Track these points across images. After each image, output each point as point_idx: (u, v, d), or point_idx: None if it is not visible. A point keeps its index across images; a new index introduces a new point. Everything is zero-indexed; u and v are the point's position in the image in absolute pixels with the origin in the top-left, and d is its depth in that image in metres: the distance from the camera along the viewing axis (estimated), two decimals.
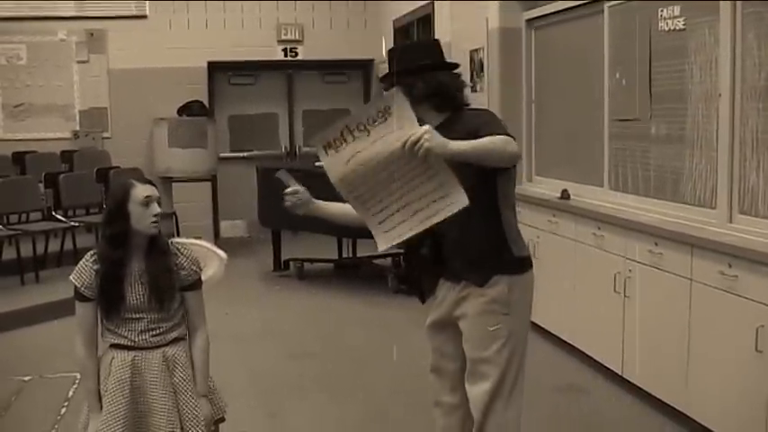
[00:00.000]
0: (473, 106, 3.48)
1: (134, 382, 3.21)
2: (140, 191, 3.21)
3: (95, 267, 3.19)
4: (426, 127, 2.86)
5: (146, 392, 3.22)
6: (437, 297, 3.53)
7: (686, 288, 4.55)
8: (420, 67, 3.34)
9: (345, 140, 2.91)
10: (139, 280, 3.21)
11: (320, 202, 3.56)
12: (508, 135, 3.08)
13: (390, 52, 3.52)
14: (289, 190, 3.47)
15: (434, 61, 3.41)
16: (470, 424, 3.49)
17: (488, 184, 3.23)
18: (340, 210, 3.48)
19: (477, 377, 3.37)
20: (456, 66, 3.51)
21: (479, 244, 3.32)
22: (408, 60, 3.37)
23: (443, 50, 3.48)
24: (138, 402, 3.21)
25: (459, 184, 2.92)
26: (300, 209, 3.51)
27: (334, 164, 2.95)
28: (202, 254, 3.63)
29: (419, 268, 3.52)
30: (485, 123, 3.18)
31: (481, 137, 3.01)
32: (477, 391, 3.37)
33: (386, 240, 3.05)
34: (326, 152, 2.95)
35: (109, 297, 3.19)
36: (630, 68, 5.57)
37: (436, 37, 3.45)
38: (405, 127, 2.85)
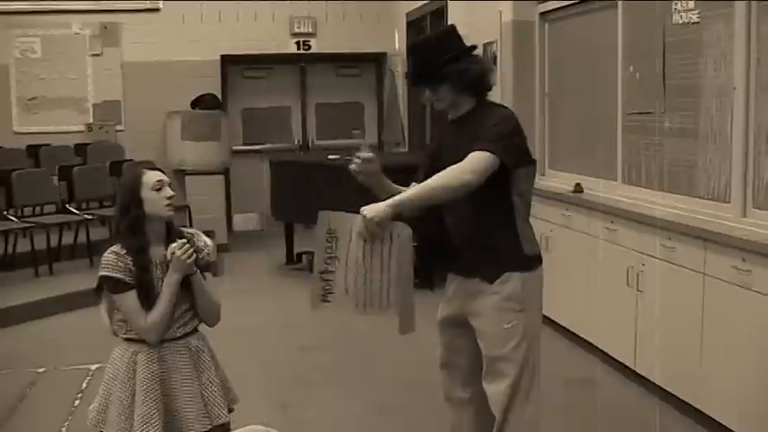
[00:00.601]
0: (496, 101, 3.47)
1: (162, 374, 3.23)
2: (151, 176, 3.23)
3: (129, 258, 3.20)
4: (363, 212, 2.98)
5: (173, 384, 3.24)
6: (448, 292, 3.51)
7: (699, 283, 4.54)
8: (445, 61, 3.29)
9: (328, 281, 3.10)
10: (164, 269, 3.23)
11: (391, 184, 3.41)
12: (492, 150, 3.10)
13: (411, 49, 3.50)
14: (364, 154, 3.30)
15: (458, 50, 3.35)
16: (484, 419, 3.48)
17: (503, 179, 3.20)
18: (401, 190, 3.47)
19: (495, 375, 3.35)
20: (474, 47, 3.46)
21: (491, 240, 3.30)
22: (434, 56, 3.32)
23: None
24: (165, 394, 3.22)
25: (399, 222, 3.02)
26: (366, 178, 3.32)
27: (342, 302, 3.10)
28: None
29: (431, 257, 3.51)
30: (488, 134, 3.17)
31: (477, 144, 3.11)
32: (496, 389, 3.35)
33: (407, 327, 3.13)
34: (328, 300, 3.12)
35: (145, 286, 3.20)
36: (644, 62, 5.54)
37: (448, 25, 3.43)
38: (353, 228, 3.02)
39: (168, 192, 3.23)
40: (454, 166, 3.09)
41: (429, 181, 3.08)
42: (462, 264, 3.39)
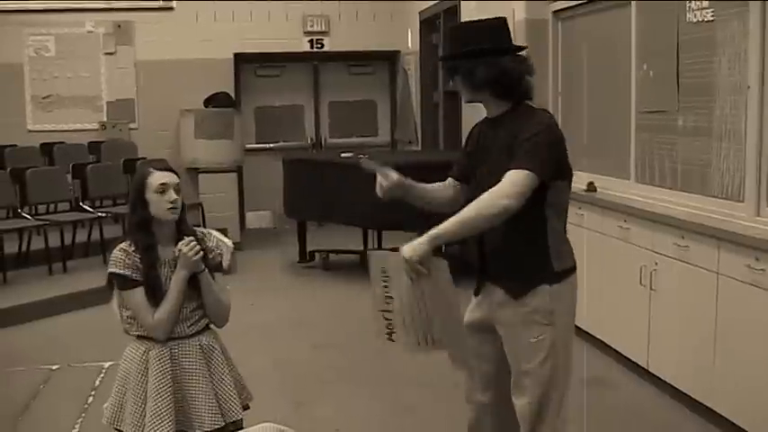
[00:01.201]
0: (536, 104, 3.31)
1: (174, 372, 3.24)
2: (156, 178, 3.23)
3: (137, 255, 3.22)
4: (402, 253, 2.93)
5: (185, 381, 3.25)
6: (476, 298, 3.43)
7: (713, 282, 4.52)
8: (483, 51, 3.17)
9: (390, 319, 3.09)
10: (173, 268, 3.24)
11: (416, 185, 3.34)
12: (530, 168, 3.00)
13: (451, 30, 3.41)
14: (380, 179, 3.22)
15: (498, 44, 3.22)
16: (504, 424, 3.43)
17: (538, 192, 3.06)
18: (437, 190, 3.46)
19: (519, 390, 3.27)
20: (522, 48, 3.32)
21: (519, 254, 3.19)
22: (469, 42, 3.22)
23: (509, 31, 3.29)
24: (177, 392, 3.24)
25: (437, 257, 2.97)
26: (395, 192, 3.25)
27: (407, 343, 3.12)
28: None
29: (460, 261, 3.43)
30: (522, 149, 3.05)
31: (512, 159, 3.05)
32: (523, 403, 3.26)
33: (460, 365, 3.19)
34: (393, 339, 3.13)
35: (152, 284, 3.21)
36: (658, 60, 5.53)
37: (499, 17, 3.35)
38: (399, 267, 2.98)
39: (171, 196, 3.23)
40: (493, 190, 2.98)
41: (467, 210, 2.97)
42: (492, 271, 3.30)
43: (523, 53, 3.32)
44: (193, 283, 3.25)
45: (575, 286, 3.33)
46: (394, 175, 3.23)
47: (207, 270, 3.27)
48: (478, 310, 3.41)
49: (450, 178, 3.49)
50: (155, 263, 3.23)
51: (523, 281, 3.18)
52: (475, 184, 3.29)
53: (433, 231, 2.94)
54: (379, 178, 3.24)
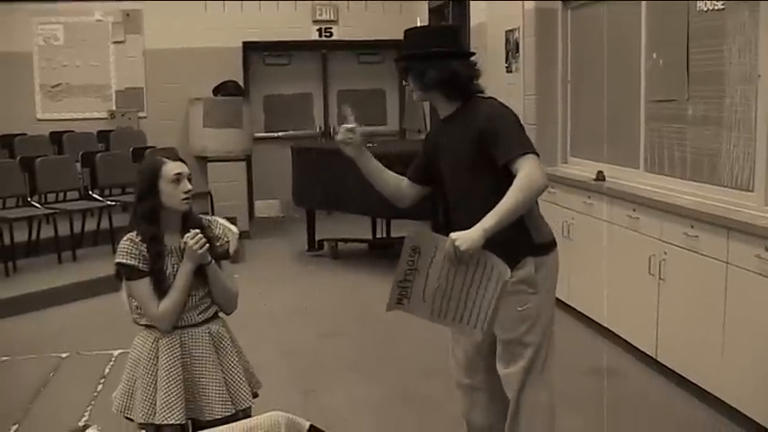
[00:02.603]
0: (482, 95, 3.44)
1: (184, 360, 3.25)
2: (170, 168, 3.23)
3: (144, 246, 3.22)
4: (453, 236, 2.98)
5: (195, 369, 3.26)
6: None
7: (722, 271, 4.51)
8: (433, 54, 3.34)
9: (405, 289, 3.13)
10: (180, 257, 3.24)
11: (372, 158, 3.56)
12: (526, 150, 3.12)
13: (406, 34, 3.51)
14: (347, 125, 3.46)
15: (448, 48, 3.38)
16: (496, 404, 3.49)
17: (508, 174, 3.14)
18: (390, 177, 3.60)
19: (509, 358, 3.36)
20: (470, 54, 3.49)
21: (498, 235, 3.12)
22: (422, 45, 3.40)
23: (463, 36, 3.44)
24: (187, 380, 3.24)
25: (500, 259, 3.02)
26: (350, 149, 3.48)
27: (417, 308, 3.15)
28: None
29: None
30: (499, 138, 3.17)
31: (494, 150, 3.15)
32: (511, 371, 3.36)
33: (478, 332, 3.12)
34: (404, 305, 3.15)
35: (157, 274, 3.21)
36: (668, 49, 5.51)
37: (452, 24, 3.50)
38: (438, 247, 3.04)
39: (186, 186, 3.24)
40: (521, 179, 3.06)
41: (508, 200, 3.03)
42: None
43: (473, 59, 3.47)
44: (201, 271, 3.25)
45: (557, 261, 3.45)
46: (357, 137, 3.46)
47: (213, 260, 3.28)
48: None
49: (407, 179, 3.64)
50: (161, 253, 3.23)
51: (506, 257, 3.17)
52: (445, 180, 3.46)
53: (486, 225, 2.99)
54: (345, 125, 3.46)
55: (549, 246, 3.41)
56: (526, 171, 3.07)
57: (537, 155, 3.15)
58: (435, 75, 3.31)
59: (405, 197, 3.63)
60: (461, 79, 3.34)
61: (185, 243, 3.20)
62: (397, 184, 3.62)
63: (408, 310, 3.17)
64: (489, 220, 3.00)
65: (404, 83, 3.45)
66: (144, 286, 3.22)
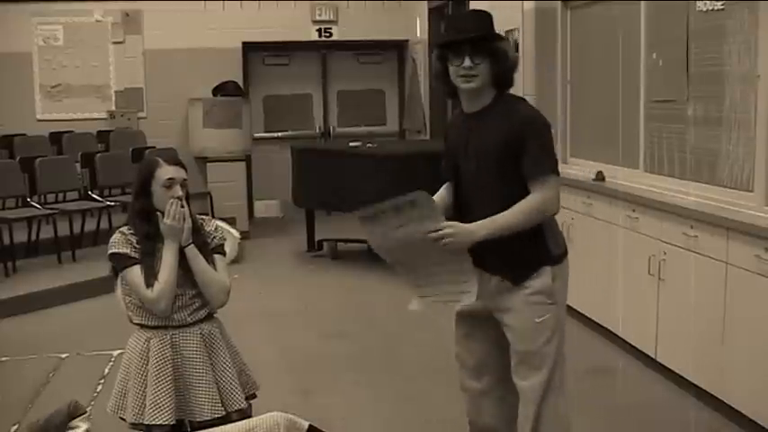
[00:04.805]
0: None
1: (175, 360, 3.25)
2: (164, 172, 3.25)
3: (135, 238, 3.24)
4: (448, 227, 3.00)
5: (185, 370, 3.27)
6: None
7: (721, 272, 4.51)
8: (499, 36, 3.23)
9: (379, 219, 3.11)
10: None
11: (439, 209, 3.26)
12: (550, 172, 3.12)
13: (477, 13, 3.35)
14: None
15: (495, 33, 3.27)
16: (503, 409, 3.46)
17: (524, 182, 3.14)
18: (446, 199, 3.47)
19: (528, 370, 3.27)
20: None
21: (517, 243, 3.17)
22: (490, 27, 3.25)
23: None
24: (177, 380, 3.25)
25: (475, 277, 3.08)
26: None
27: (373, 235, 3.17)
28: None
29: None
30: (529, 149, 3.11)
31: (520, 159, 3.10)
32: (531, 384, 3.27)
33: (419, 303, 3.21)
34: (365, 225, 3.16)
35: (149, 268, 3.22)
36: (667, 49, 5.51)
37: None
38: (425, 222, 3.02)
39: (177, 191, 3.26)
40: (532, 202, 3.09)
41: (511, 218, 3.07)
42: (489, 262, 3.26)
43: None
44: (189, 269, 3.27)
45: (568, 269, 3.40)
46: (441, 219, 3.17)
47: (193, 244, 3.28)
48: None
49: (446, 183, 3.50)
50: (153, 251, 3.25)
51: (524, 267, 3.22)
52: (466, 179, 3.32)
53: (480, 234, 3.04)
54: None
55: (564, 255, 3.36)
56: (540, 197, 3.09)
57: (558, 175, 3.15)
58: (514, 58, 3.22)
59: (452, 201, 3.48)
60: (514, 60, 3.27)
61: (165, 222, 3.22)
62: (449, 200, 3.46)
63: (367, 231, 3.18)
64: (483, 231, 3.04)
65: (464, 63, 3.17)
66: (136, 272, 3.24)
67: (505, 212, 3.08)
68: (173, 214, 3.21)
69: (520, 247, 3.19)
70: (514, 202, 3.08)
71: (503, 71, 3.23)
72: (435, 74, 3.33)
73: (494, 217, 3.07)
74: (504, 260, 3.23)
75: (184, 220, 3.24)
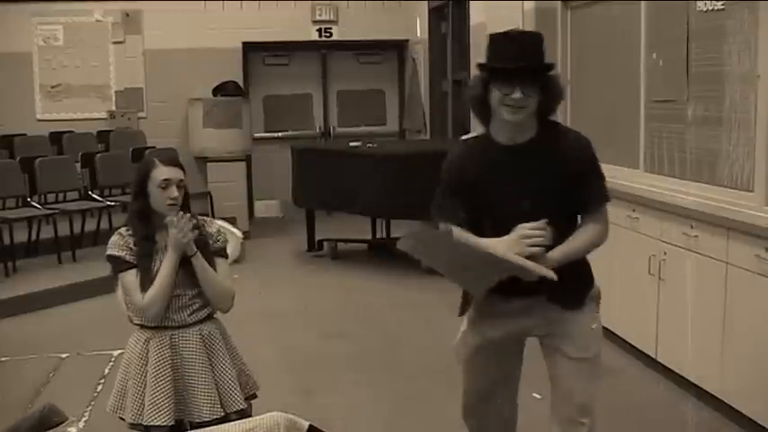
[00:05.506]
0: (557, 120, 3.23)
1: (174, 361, 3.25)
2: (159, 173, 3.24)
3: (132, 240, 3.24)
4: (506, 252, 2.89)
5: (185, 370, 3.26)
6: (496, 312, 3.20)
7: (722, 271, 4.51)
8: (550, 66, 3.00)
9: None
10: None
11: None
12: (609, 199, 3.14)
13: (533, 37, 3.05)
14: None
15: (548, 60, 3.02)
16: (507, 422, 3.48)
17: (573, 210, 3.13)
18: None
19: (579, 378, 3.25)
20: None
21: (575, 270, 3.13)
22: (541, 53, 2.97)
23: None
24: (176, 380, 3.25)
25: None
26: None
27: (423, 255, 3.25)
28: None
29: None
30: (591, 180, 3.10)
31: (582, 191, 3.07)
32: (588, 396, 3.29)
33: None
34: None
35: (145, 270, 3.22)
36: (667, 49, 5.50)
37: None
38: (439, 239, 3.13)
39: (173, 192, 3.24)
40: (598, 230, 3.11)
41: (582, 246, 3.09)
42: (543, 291, 3.07)
43: None
44: (191, 270, 3.26)
45: None
46: None
47: (198, 252, 3.27)
48: (508, 324, 3.23)
49: (458, 226, 3.18)
50: (150, 252, 3.25)
51: (580, 294, 3.25)
52: (509, 216, 2.98)
53: (559, 257, 2.98)
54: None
55: None
56: (603, 228, 3.12)
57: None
58: (563, 88, 3.04)
59: None
60: (562, 90, 3.06)
61: (171, 221, 3.21)
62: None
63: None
64: (560, 255, 2.99)
65: (514, 94, 2.89)
66: (131, 277, 3.24)
67: (575, 244, 3.05)
68: (180, 227, 3.20)
69: (575, 271, 3.16)
70: (568, 233, 3.04)
71: (550, 101, 3.04)
72: (472, 97, 3.05)
73: (563, 248, 3.00)
74: (564, 285, 3.00)
75: (191, 231, 3.23)
